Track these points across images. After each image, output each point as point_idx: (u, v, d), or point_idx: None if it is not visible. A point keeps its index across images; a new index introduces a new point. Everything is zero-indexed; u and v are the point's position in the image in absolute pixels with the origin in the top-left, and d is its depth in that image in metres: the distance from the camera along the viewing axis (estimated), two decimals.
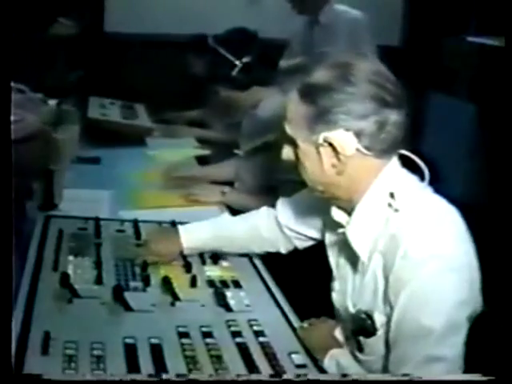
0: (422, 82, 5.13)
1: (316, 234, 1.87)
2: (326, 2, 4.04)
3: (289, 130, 1.54)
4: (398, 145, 1.50)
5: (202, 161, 3.44)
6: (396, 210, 1.46)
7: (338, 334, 1.68)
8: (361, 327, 1.52)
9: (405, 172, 1.54)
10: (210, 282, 1.92)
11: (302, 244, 1.95)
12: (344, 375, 1.40)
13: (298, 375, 1.31)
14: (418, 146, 5.04)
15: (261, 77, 2.70)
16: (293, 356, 1.58)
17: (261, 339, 1.64)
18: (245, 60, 2.64)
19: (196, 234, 2.05)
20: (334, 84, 1.45)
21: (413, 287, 1.39)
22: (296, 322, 1.77)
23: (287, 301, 1.90)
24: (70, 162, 2.87)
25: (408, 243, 1.40)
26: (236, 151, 2.94)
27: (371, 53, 4.00)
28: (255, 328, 1.69)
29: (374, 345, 1.51)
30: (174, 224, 2.26)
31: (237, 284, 1.93)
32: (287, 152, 1.58)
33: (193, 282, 1.88)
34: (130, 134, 3.60)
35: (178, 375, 1.27)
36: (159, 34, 5.18)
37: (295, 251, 1.98)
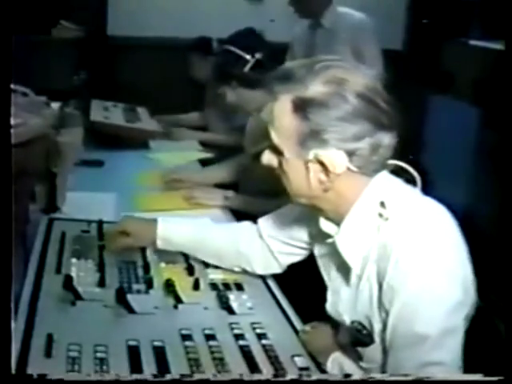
0: (424, 85, 5.14)
1: (300, 247, 1.83)
2: (328, 5, 4.04)
3: (276, 138, 1.49)
4: (385, 166, 1.47)
5: (205, 164, 3.44)
6: (386, 219, 1.43)
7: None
8: (357, 339, 1.50)
9: (394, 179, 1.51)
10: (213, 285, 1.92)
11: (284, 260, 1.89)
12: (346, 375, 1.40)
13: (300, 375, 1.31)
14: (422, 150, 5.06)
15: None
16: (296, 359, 1.58)
17: (263, 342, 1.64)
18: (257, 56, 2.65)
19: (173, 226, 2.02)
20: (329, 101, 1.38)
21: (405, 296, 1.37)
22: (299, 325, 1.77)
23: (290, 303, 1.90)
24: (74, 165, 2.88)
25: (398, 252, 1.38)
26: (240, 160, 2.94)
27: (374, 57, 4.00)
28: (258, 331, 1.69)
29: (373, 353, 1.49)
30: None
31: (239, 287, 1.93)
32: (269, 158, 1.54)
33: (196, 285, 1.88)
34: (133, 137, 3.61)
35: (181, 375, 1.27)
36: (162, 37, 5.20)
37: None
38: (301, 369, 1.55)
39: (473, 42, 5.03)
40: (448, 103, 5.01)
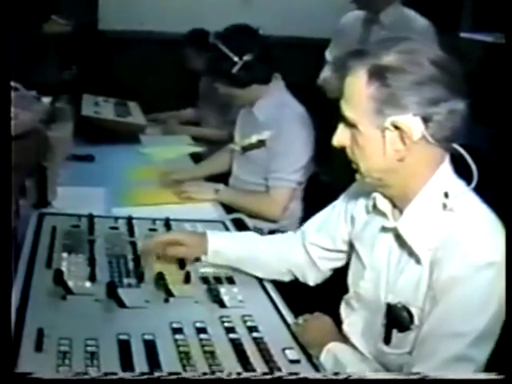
0: None
1: (339, 251, 1.83)
2: (391, 2, 3.59)
3: (349, 112, 1.49)
4: (457, 136, 1.48)
5: (196, 158, 3.45)
6: (450, 210, 1.44)
7: (347, 325, 1.67)
8: (397, 320, 1.50)
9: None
10: (204, 279, 1.92)
11: (325, 266, 1.89)
12: (336, 373, 1.39)
13: (292, 373, 1.31)
14: None
15: (260, 75, 2.69)
16: (286, 351, 1.58)
17: (254, 335, 1.64)
18: (245, 58, 2.63)
19: (223, 240, 2.01)
20: (406, 67, 1.42)
21: (466, 288, 1.38)
22: (290, 318, 1.77)
23: (281, 296, 1.90)
24: (64, 160, 2.88)
25: (468, 245, 1.40)
26: (231, 146, 2.94)
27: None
28: (249, 324, 1.69)
29: (405, 338, 1.50)
30: (167, 221, 2.27)
31: (230, 280, 1.93)
32: (341, 137, 1.54)
33: (186, 279, 1.88)
34: (124, 132, 3.60)
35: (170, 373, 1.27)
36: (153, 31, 5.18)
37: None
38: (292, 361, 1.55)
39: (464, 35, 5.03)
40: None
